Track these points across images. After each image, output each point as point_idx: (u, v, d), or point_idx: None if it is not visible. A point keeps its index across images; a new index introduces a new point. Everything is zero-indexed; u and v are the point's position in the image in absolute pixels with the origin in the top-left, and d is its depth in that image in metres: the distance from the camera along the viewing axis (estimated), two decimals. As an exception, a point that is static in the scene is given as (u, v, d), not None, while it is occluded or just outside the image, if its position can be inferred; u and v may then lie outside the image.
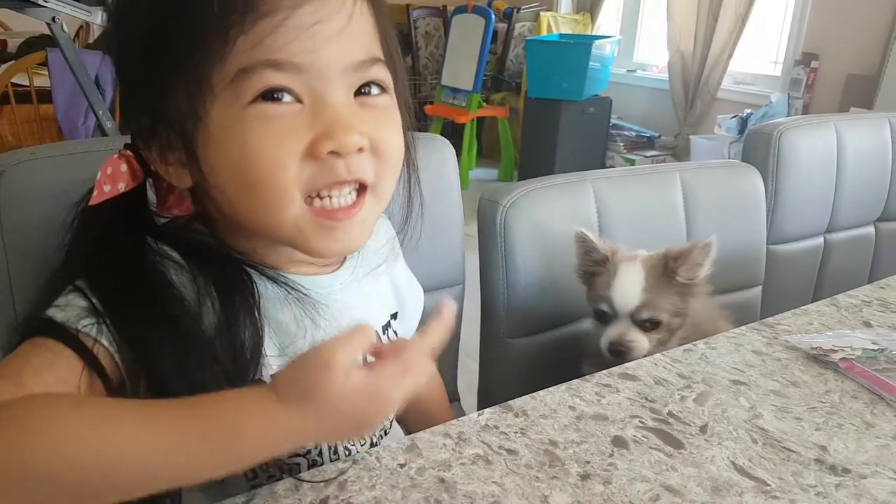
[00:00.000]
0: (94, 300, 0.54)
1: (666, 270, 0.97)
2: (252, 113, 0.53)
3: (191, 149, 0.55)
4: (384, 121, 0.59)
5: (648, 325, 0.97)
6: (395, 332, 0.75)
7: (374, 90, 0.58)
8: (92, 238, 0.58)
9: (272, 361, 0.60)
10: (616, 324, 0.98)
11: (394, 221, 0.77)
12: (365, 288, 0.70)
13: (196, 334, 0.55)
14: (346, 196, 0.57)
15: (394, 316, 0.76)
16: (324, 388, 0.45)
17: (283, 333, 0.62)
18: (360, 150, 0.55)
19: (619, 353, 0.95)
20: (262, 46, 0.51)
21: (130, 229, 0.59)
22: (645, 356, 0.84)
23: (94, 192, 0.58)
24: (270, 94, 0.53)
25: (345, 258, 0.69)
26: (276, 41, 0.51)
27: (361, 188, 0.58)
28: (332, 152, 0.54)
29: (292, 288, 0.62)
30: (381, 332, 0.72)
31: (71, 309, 0.53)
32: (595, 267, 1.01)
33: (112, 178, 0.58)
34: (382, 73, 0.58)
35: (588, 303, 1.03)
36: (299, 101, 0.54)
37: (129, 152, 0.59)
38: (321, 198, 0.56)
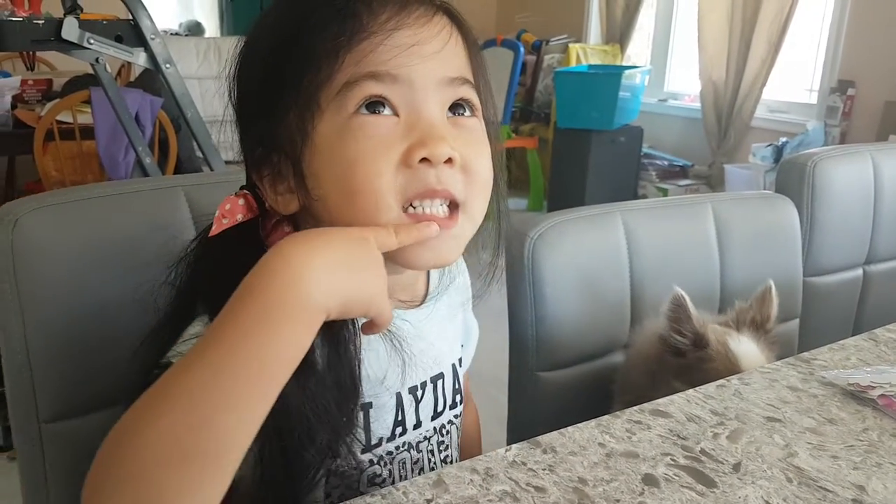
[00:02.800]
0: None
1: (756, 325, 0.96)
2: (354, 124, 0.57)
3: (298, 167, 0.59)
4: (474, 142, 0.61)
5: None
6: (462, 364, 0.79)
7: (466, 111, 0.61)
8: (212, 268, 0.61)
9: (365, 390, 0.64)
10: None
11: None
12: (445, 323, 0.74)
13: (312, 363, 0.56)
14: (437, 207, 0.59)
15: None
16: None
17: (375, 366, 0.65)
18: (450, 161, 0.57)
19: None
20: (365, 62, 0.56)
21: (247, 259, 0.61)
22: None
23: (213, 227, 0.61)
24: (371, 106, 0.57)
25: (425, 296, 0.72)
26: (379, 57, 0.56)
27: (453, 205, 0.60)
28: (423, 160, 0.56)
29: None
30: (457, 364, 0.77)
31: None
32: (684, 345, 0.93)
33: (231, 212, 0.62)
34: (472, 95, 0.62)
35: (673, 379, 0.93)
36: (396, 113, 0.57)
37: (246, 192, 0.63)
38: (414, 207, 0.58)
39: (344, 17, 0.57)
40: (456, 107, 0.61)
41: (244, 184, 0.65)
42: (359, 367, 0.61)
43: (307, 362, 0.51)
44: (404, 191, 0.57)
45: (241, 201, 0.63)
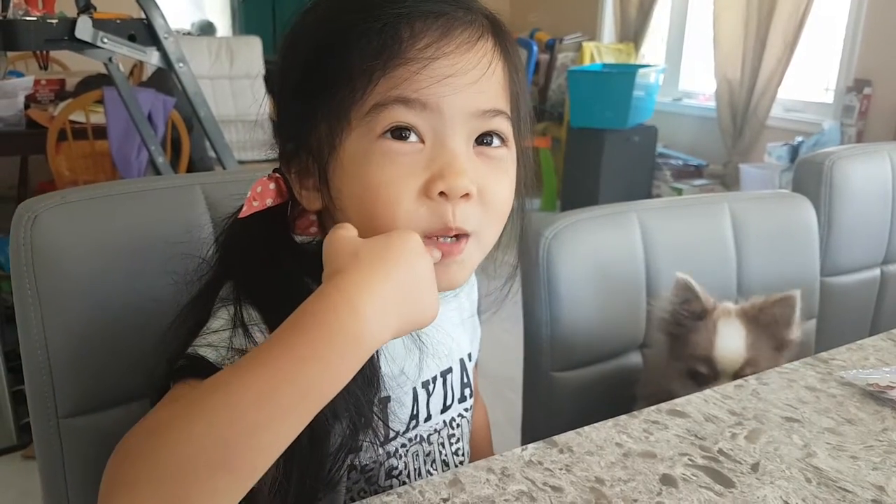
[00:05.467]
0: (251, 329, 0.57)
1: (761, 324, 0.94)
2: (379, 148, 0.57)
3: (324, 174, 0.60)
4: (497, 171, 0.61)
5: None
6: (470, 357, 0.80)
7: (495, 141, 0.61)
8: (241, 249, 0.63)
9: (385, 384, 0.64)
10: (716, 383, 0.91)
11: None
12: (456, 314, 0.77)
13: None
14: (446, 238, 0.60)
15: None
16: (344, 241, 0.53)
17: (393, 361, 0.67)
18: (468, 195, 0.57)
19: None
20: (398, 88, 0.56)
21: (274, 242, 0.64)
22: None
23: (244, 208, 0.63)
24: (398, 132, 0.57)
25: None
26: (412, 85, 0.56)
27: (462, 235, 0.60)
28: (441, 193, 0.57)
29: None
30: (466, 359, 0.78)
31: (223, 349, 0.55)
32: (689, 320, 0.96)
33: (261, 195, 0.63)
34: (504, 126, 0.61)
35: (673, 360, 0.97)
36: (422, 140, 0.57)
37: (277, 174, 0.64)
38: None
39: (384, 37, 0.56)
40: (484, 135, 0.60)
41: (278, 167, 0.66)
42: (378, 360, 0.61)
43: None
44: (420, 225, 0.57)
45: (272, 185, 0.64)
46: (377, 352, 0.60)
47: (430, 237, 0.58)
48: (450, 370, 0.75)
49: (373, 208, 0.57)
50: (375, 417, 0.63)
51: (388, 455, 0.69)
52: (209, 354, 0.54)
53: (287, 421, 0.45)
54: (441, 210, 0.57)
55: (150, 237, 0.78)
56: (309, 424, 0.51)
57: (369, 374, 0.60)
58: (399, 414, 0.69)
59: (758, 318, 0.96)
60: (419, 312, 0.53)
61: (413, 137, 0.57)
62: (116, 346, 0.77)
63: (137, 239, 0.78)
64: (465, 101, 0.57)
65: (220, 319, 0.58)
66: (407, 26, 0.56)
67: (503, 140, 0.61)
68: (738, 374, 0.92)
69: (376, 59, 0.56)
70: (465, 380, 0.77)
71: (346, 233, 0.54)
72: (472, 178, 0.57)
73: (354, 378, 0.56)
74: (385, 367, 0.65)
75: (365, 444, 0.64)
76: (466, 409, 0.78)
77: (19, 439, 2.00)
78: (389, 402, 0.68)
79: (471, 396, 0.78)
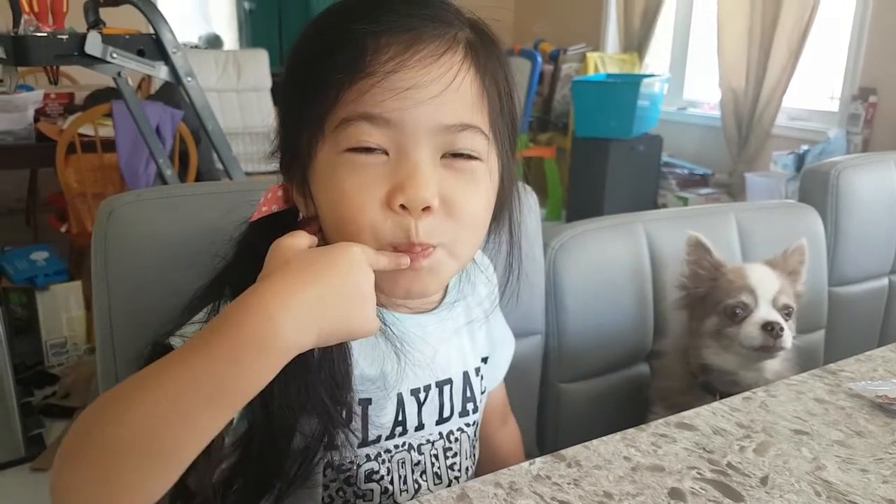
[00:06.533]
0: None
1: (783, 272, 1.01)
2: (345, 160, 0.59)
3: (306, 183, 0.63)
4: (466, 183, 0.61)
5: (786, 314, 0.98)
6: (483, 375, 0.79)
7: (465, 156, 0.61)
8: (246, 251, 0.66)
9: (363, 386, 0.67)
10: (757, 312, 0.97)
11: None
12: (459, 330, 0.76)
13: (305, 356, 0.57)
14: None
15: (484, 360, 0.80)
16: (282, 249, 0.56)
17: (373, 364, 0.68)
18: (428, 208, 0.58)
19: (773, 336, 0.95)
20: (361, 101, 0.58)
21: (266, 241, 0.66)
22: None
23: (256, 213, 0.67)
24: (361, 146, 0.58)
25: (443, 297, 0.74)
26: (373, 98, 0.57)
27: (428, 246, 0.61)
28: (402, 206, 0.58)
29: (385, 324, 0.66)
30: (472, 373, 0.77)
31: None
32: (707, 278, 1.01)
33: (270, 201, 0.67)
34: (473, 141, 0.61)
35: (699, 325, 1.02)
36: (386, 153, 0.59)
37: (286, 184, 0.68)
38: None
39: (350, 50, 0.58)
40: (454, 153, 0.61)
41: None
42: (350, 362, 0.63)
43: (301, 356, 0.53)
44: (385, 237, 0.59)
45: (280, 192, 0.68)
46: (350, 353, 0.63)
47: (397, 249, 0.60)
48: (448, 381, 0.74)
49: (341, 216, 0.60)
50: (346, 418, 0.65)
51: (368, 458, 0.69)
52: (176, 343, 0.58)
53: (204, 416, 0.48)
54: (404, 224, 0.58)
55: (212, 236, 0.80)
56: (269, 419, 0.55)
57: (340, 374, 0.62)
58: (382, 417, 0.69)
59: (781, 267, 1.02)
60: (346, 323, 0.54)
61: (377, 150, 0.59)
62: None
63: (199, 237, 0.81)
64: (426, 116, 0.58)
65: (202, 313, 0.62)
66: (373, 41, 0.58)
67: (473, 156, 0.61)
68: (776, 300, 0.98)
69: (343, 71, 0.58)
70: (469, 394, 0.76)
71: (290, 241, 0.57)
72: (435, 190, 0.58)
73: (321, 377, 0.60)
74: (367, 370, 0.67)
75: (339, 440, 0.65)
76: (468, 424, 0.77)
77: (28, 451, 2.00)
78: (370, 404, 0.68)
79: (475, 412, 0.77)
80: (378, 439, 0.69)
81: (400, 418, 0.70)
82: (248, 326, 0.49)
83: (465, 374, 0.76)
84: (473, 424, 0.78)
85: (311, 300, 0.52)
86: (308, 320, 0.51)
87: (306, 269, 0.53)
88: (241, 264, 0.65)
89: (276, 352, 0.50)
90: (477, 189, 0.62)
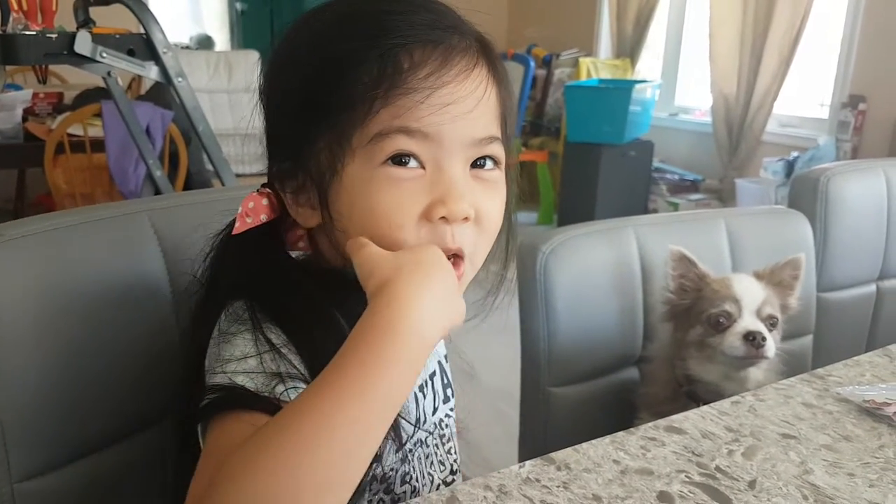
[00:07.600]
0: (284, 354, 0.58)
1: (770, 284, 1.02)
2: (381, 174, 0.58)
3: (324, 196, 0.61)
4: (491, 192, 0.63)
5: (770, 325, 0.99)
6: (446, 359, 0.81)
7: (488, 164, 0.62)
8: (240, 265, 0.64)
9: None
10: (740, 322, 0.98)
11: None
12: None
13: None
14: None
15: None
16: (380, 256, 0.55)
17: None
18: (466, 219, 0.59)
19: (755, 346, 0.96)
20: (401, 117, 0.57)
21: (277, 259, 0.65)
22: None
23: (237, 224, 0.63)
24: (399, 158, 0.58)
25: None
26: (414, 114, 0.57)
27: (458, 256, 0.61)
28: (442, 218, 0.58)
29: None
30: (443, 361, 0.79)
31: (259, 374, 0.56)
32: (693, 289, 1.02)
33: (254, 211, 0.64)
34: (498, 150, 0.63)
35: (683, 336, 1.03)
36: (422, 167, 0.59)
37: (268, 190, 0.65)
38: None
39: (384, 65, 0.57)
40: (479, 159, 0.62)
41: (265, 182, 0.67)
42: None
43: None
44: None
45: (264, 201, 0.64)
46: None
47: None
48: (434, 372, 0.77)
49: (376, 231, 0.58)
50: (395, 427, 0.65)
51: (402, 461, 0.70)
52: (247, 384, 0.55)
53: (378, 431, 0.48)
54: (440, 232, 0.59)
55: (98, 274, 0.73)
56: None
57: None
58: (408, 419, 0.71)
59: (767, 279, 1.02)
60: (456, 315, 0.55)
61: (413, 163, 0.58)
62: (75, 395, 0.71)
63: (84, 276, 0.72)
64: (463, 130, 0.59)
65: (242, 343, 0.59)
66: (407, 55, 0.57)
67: (496, 163, 0.63)
68: (760, 310, 0.98)
69: (377, 88, 0.57)
70: (445, 381, 0.79)
71: (377, 248, 0.56)
72: (469, 201, 0.59)
73: None
74: None
75: (385, 450, 0.66)
76: (451, 409, 0.79)
77: None
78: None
79: (452, 395, 0.80)
80: (407, 440, 0.71)
81: (417, 417, 0.72)
82: (402, 334, 0.50)
83: (440, 363, 0.79)
84: (454, 408, 0.80)
85: (437, 299, 0.53)
86: (440, 316, 0.53)
87: (418, 270, 0.54)
88: (252, 283, 0.63)
89: (427, 349, 0.52)
90: (500, 199, 0.64)
